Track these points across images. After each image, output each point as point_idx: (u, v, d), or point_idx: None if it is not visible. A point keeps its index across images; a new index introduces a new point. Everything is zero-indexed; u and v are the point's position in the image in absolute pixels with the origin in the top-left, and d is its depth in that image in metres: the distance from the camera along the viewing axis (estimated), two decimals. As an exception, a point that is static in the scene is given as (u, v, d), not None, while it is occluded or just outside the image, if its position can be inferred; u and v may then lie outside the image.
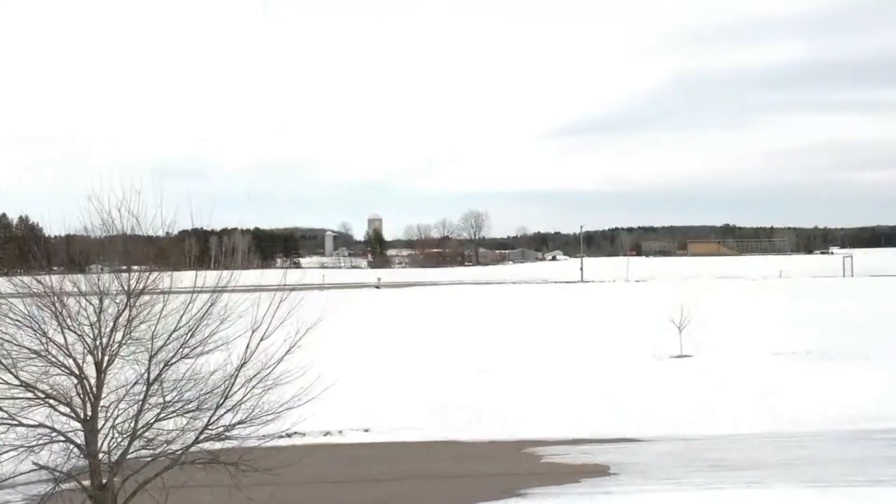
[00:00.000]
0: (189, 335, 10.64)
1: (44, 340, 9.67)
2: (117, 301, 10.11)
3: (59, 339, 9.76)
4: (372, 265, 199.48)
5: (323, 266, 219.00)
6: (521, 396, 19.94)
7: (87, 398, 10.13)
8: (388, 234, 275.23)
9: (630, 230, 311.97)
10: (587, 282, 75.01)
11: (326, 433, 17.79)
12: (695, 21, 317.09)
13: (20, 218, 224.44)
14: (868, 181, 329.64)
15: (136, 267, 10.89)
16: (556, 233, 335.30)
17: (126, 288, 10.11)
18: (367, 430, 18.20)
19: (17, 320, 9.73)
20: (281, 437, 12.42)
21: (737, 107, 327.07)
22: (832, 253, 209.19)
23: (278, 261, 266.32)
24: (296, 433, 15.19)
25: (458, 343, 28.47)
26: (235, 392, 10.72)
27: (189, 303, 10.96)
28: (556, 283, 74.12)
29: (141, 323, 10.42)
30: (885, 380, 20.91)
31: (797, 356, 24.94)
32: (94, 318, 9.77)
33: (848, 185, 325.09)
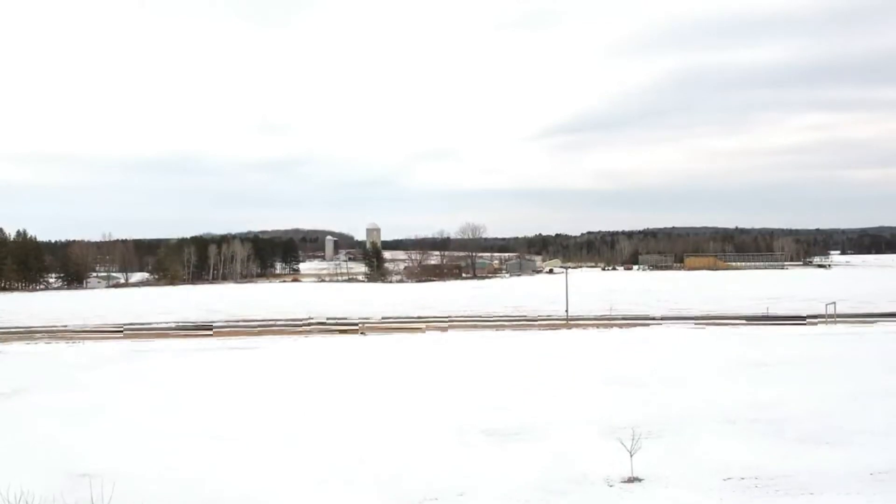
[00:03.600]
0: None
1: None
2: None
3: None
4: (370, 278, 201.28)
5: (320, 277, 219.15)
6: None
7: None
8: (388, 233, 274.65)
9: (630, 235, 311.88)
10: (571, 323, 75.37)
11: None
12: (693, 20, 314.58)
13: (17, 232, 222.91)
14: (867, 179, 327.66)
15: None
16: (556, 235, 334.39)
17: None
18: None
19: None
20: None
21: (736, 106, 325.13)
22: (829, 266, 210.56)
23: (277, 266, 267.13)
24: None
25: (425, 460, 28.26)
26: None
27: None
28: (540, 324, 74.78)
29: None
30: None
31: (750, 485, 23.76)
32: None
33: (847, 184, 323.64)
